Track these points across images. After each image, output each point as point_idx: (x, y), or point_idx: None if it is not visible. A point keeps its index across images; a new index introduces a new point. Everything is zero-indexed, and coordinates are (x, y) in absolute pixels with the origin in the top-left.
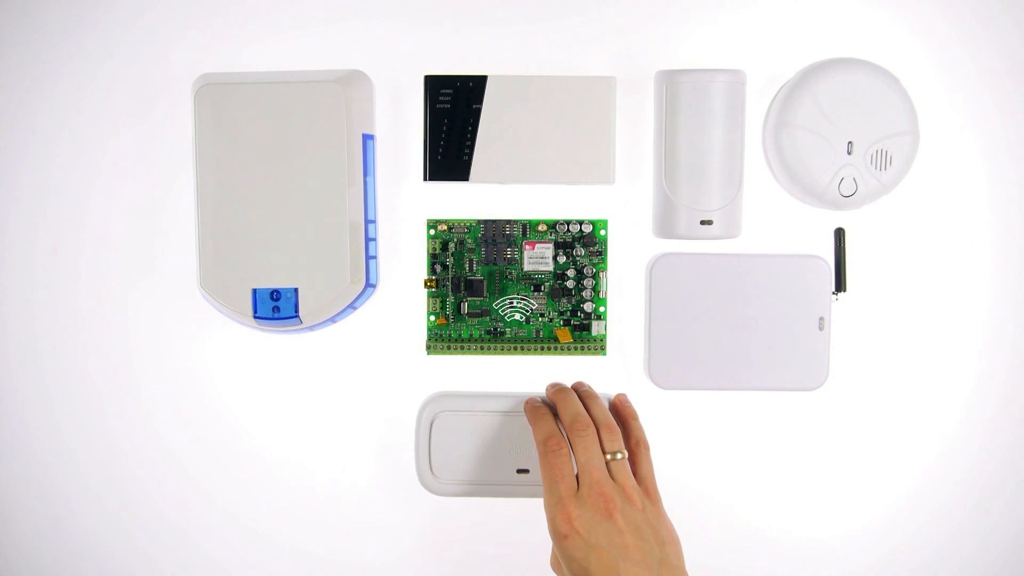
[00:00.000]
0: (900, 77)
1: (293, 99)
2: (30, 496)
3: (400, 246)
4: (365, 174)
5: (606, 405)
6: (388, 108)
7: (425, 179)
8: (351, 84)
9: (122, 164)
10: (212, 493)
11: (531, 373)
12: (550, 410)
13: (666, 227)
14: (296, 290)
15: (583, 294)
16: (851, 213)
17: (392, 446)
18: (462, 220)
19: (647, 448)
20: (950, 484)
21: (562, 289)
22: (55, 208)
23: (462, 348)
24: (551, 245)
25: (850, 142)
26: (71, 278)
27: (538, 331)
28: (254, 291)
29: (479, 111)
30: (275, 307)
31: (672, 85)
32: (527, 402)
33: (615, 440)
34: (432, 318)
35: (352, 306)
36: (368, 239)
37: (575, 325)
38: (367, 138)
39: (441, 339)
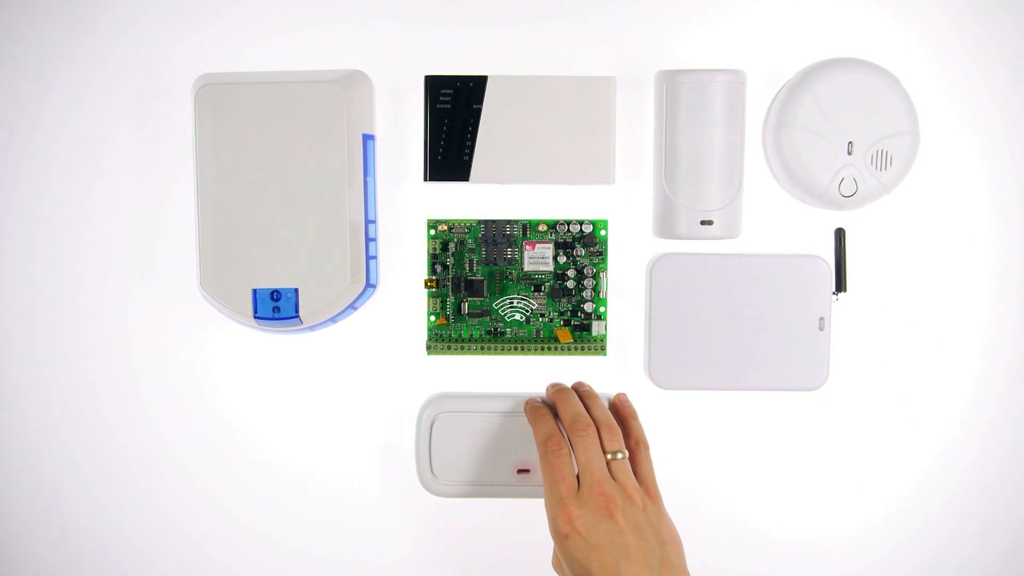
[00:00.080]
0: (900, 77)
1: (293, 99)
2: (30, 496)
3: (400, 246)
4: (365, 174)
5: (606, 405)
6: (388, 108)
7: (425, 179)
8: (351, 84)
9: (122, 164)
10: (212, 493)
11: (531, 373)
12: (550, 410)
13: (666, 227)
14: (296, 290)
15: (583, 294)
16: (851, 213)
17: (392, 446)
18: (462, 220)
19: (647, 448)
20: (950, 484)
21: (562, 289)
22: (55, 208)
23: (462, 348)
24: (551, 245)
25: (850, 142)
26: (71, 278)
27: (538, 331)
28: (254, 291)
29: (479, 111)
30: (275, 307)
31: (672, 85)
32: (527, 402)
33: (615, 440)
34: (432, 318)
35: (352, 306)
36: (368, 239)
37: (575, 325)
38: (367, 138)
39: (441, 339)
